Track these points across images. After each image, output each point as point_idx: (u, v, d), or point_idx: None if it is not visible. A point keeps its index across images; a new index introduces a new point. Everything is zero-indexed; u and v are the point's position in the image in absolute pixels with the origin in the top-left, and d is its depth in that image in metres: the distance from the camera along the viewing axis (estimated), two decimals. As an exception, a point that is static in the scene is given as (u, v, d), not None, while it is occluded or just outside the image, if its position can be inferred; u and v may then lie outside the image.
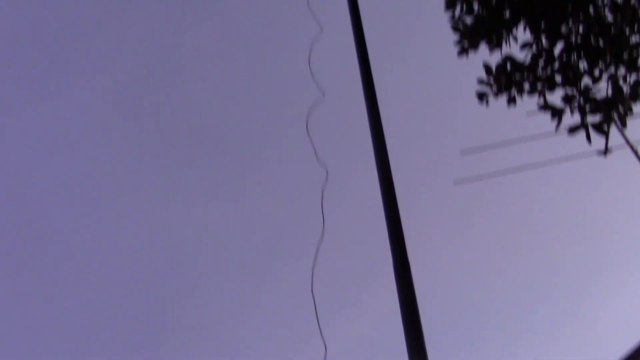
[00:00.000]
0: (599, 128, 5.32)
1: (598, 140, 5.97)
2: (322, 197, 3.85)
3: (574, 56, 5.52)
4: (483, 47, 5.89)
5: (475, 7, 5.67)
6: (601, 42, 5.59)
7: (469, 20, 5.73)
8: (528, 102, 6.30)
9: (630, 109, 5.59)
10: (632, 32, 5.60)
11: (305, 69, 4.19)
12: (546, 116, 5.89)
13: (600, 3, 5.80)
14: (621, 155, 6.12)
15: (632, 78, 5.64)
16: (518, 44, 5.71)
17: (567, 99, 5.36)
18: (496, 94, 5.62)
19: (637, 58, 5.60)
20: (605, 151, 6.02)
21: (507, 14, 5.63)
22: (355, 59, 4.32)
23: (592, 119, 5.39)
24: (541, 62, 5.52)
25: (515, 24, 5.63)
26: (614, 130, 5.87)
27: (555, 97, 5.67)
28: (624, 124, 5.58)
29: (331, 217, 3.64)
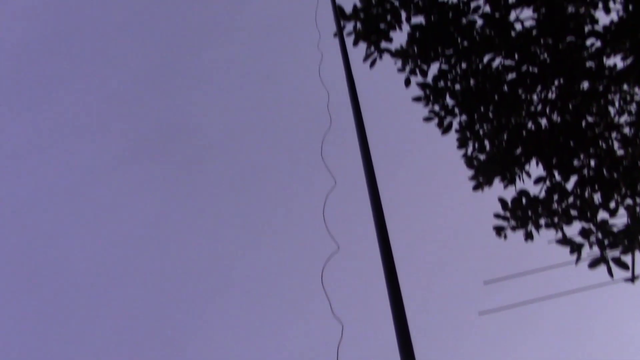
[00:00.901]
0: (619, 263, 5.30)
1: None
2: (337, 355, 3.90)
3: (588, 190, 5.61)
4: (498, 181, 6.05)
5: (487, 145, 5.89)
6: (615, 175, 5.70)
7: (482, 157, 5.93)
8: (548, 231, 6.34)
9: (651, 239, 5.57)
10: (644, 164, 5.71)
11: (320, 221, 4.38)
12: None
13: (608, 135, 5.96)
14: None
15: (649, 208, 5.67)
16: (531, 178, 5.85)
17: (585, 234, 5.40)
18: (514, 229, 5.69)
19: (652, 189, 5.66)
20: (633, 279, 5.95)
21: (519, 150, 5.82)
22: (370, 210, 4.50)
23: (612, 253, 5.38)
24: (555, 197, 5.62)
25: (527, 160, 5.81)
26: (638, 256, 5.83)
27: (573, 230, 5.72)
28: (646, 255, 5.55)
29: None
